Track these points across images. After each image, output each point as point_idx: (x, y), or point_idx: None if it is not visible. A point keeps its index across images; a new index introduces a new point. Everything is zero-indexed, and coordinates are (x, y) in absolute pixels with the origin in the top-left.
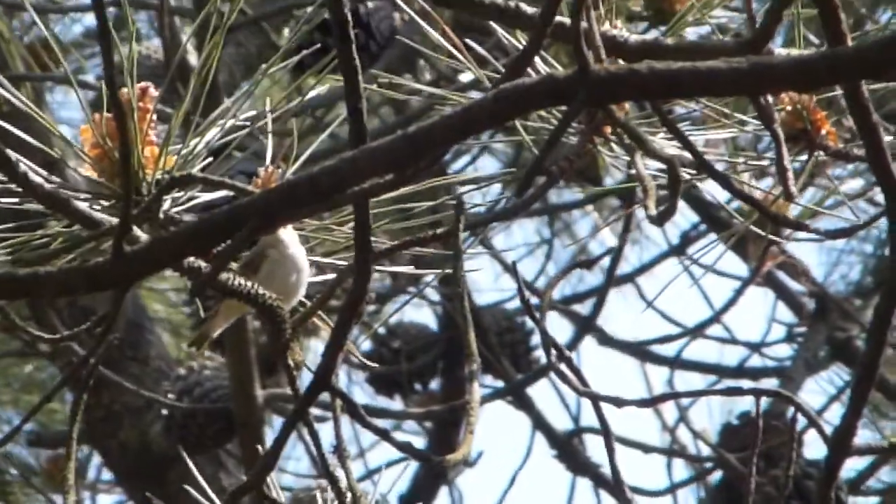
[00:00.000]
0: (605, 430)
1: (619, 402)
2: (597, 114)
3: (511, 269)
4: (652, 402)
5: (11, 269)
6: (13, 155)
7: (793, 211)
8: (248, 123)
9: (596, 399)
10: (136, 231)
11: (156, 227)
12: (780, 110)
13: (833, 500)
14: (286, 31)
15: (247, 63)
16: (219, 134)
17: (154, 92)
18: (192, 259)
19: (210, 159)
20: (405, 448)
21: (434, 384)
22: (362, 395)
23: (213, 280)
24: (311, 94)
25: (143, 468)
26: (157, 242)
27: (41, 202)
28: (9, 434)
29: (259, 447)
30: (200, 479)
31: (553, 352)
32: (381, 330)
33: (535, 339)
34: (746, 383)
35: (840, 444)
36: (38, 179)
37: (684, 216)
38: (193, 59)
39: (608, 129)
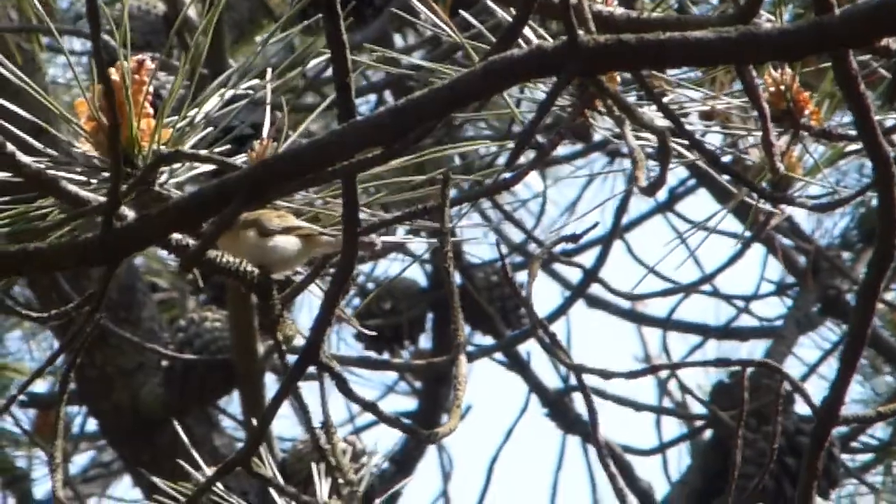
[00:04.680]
0: (589, 403)
1: (606, 375)
2: (588, 87)
3: (497, 248)
4: (639, 373)
5: (1, 245)
6: None
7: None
8: (249, 92)
9: (582, 372)
10: (125, 209)
11: (146, 204)
12: (764, 90)
13: (822, 468)
14: None
15: (239, 27)
16: (218, 105)
17: (150, 64)
18: (179, 236)
19: (209, 129)
20: (394, 422)
21: (423, 340)
22: (351, 350)
23: (199, 257)
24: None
25: (134, 429)
26: (146, 219)
27: (29, 182)
28: (4, 405)
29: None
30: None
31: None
32: (371, 286)
33: (524, 293)
34: (736, 344)
35: (828, 414)
36: (27, 159)
37: (673, 173)
38: (194, 12)
39: (599, 103)
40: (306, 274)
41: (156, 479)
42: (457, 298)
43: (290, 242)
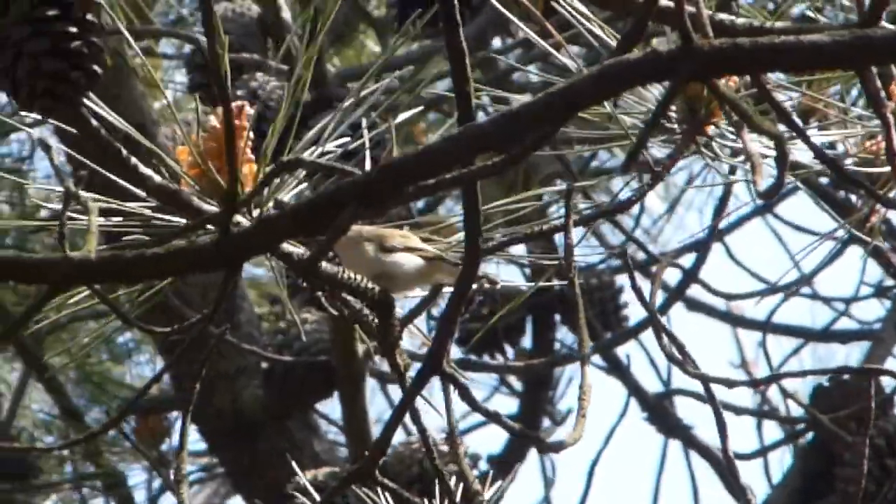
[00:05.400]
0: (717, 415)
1: (730, 384)
2: (699, 112)
3: (622, 257)
4: (761, 382)
5: (118, 252)
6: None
7: None
8: (337, 150)
9: (708, 381)
10: (240, 218)
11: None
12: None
13: None
14: None
15: (335, 31)
16: (316, 153)
17: (250, 110)
18: (300, 250)
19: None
20: (516, 431)
21: (524, 343)
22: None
23: (314, 265)
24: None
25: (235, 433)
26: (261, 224)
27: (152, 194)
28: (119, 415)
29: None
30: None
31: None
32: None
33: (624, 297)
34: (834, 347)
35: None
36: (148, 171)
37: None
38: (288, 14)
39: (709, 129)
40: (422, 297)
41: None
42: (582, 311)
43: (409, 260)
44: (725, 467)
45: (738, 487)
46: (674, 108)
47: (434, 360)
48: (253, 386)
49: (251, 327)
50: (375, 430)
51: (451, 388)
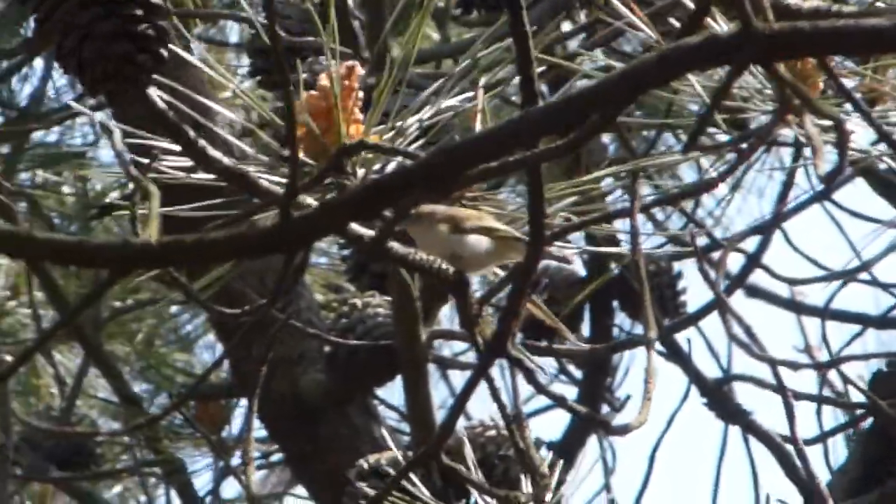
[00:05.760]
0: (785, 400)
1: (795, 366)
2: (787, 90)
3: (692, 244)
4: (826, 365)
5: (179, 237)
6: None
7: None
8: (457, 104)
9: (774, 363)
10: (308, 199)
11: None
12: None
13: None
14: None
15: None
16: (430, 112)
17: (360, 70)
18: (364, 230)
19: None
20: (585, 416)
21: (583, 329)
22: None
23: (378, 247)
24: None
25: (297, 419)
26: (324, 207)
27: (218, 176)
28: (180, 400)
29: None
30: None
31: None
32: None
33: (682, 283)
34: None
35: None
36: (216, 154)
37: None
38: None
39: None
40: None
41: None
42: (648, 296)
43: (482, 241)
44: (793, 452)
45: (808, 472)
46: (767, 87)
47: (499, 343)
48: (314, 371)
49: (311, 313)
50: (437, 417)
51: (518, 371)
